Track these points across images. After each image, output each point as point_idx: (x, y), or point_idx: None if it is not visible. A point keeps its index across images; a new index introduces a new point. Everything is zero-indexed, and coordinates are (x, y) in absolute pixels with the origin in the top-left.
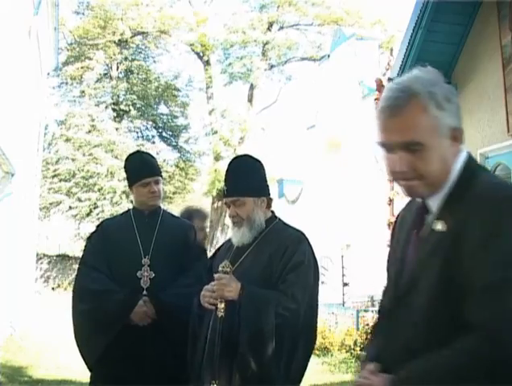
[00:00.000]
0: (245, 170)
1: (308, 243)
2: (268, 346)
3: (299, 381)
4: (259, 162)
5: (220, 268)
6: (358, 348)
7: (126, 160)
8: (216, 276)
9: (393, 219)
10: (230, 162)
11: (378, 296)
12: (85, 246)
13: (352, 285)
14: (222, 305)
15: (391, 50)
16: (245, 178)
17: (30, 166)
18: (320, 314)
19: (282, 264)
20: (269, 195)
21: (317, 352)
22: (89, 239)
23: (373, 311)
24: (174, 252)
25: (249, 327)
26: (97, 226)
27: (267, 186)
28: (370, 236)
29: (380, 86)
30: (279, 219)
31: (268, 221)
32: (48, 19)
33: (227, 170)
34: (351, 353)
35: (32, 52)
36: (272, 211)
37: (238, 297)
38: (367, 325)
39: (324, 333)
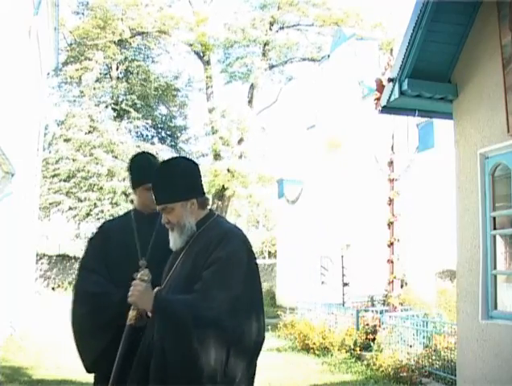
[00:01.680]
0: (169, 174)
1: (241, 238)
2: (190, 351)
3: (241, 381)
4: (190, 162)
5: (138, 276)
6: (358, 348)
7: (132, 161)
8: (133, 282)
9: (393, 219)
10: (156, 169)
11: (378, 296)
12: (86, 248)
13: (352, 285)
14: (134, 313)
15: (391, 50)
16: (170, 183)
17: (30, 166)
18: (319, 313)
19: (204, 261)
20: (200, 195)
21: (317, 352)
22: (90, 241)
23: (373, 311)
24: (170, 253)
25: (165, 341)
26: (98, 227)
27: (197, 186)
28: (370, 236)
29: (380, 86)
30: (217, 216)
31: (201, 221)
32: (48, 19)
33: (153, 177)
34: (351, 353)
35: (32, 52)
36: (211, 210)
37: (152, 309)
38: (367, 325)
39: (324, 333)
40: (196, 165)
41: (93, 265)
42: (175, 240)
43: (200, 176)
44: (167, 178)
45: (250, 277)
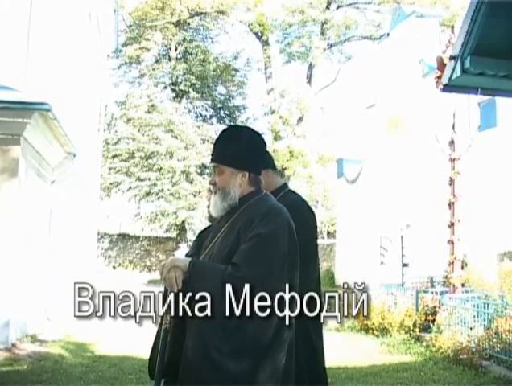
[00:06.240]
0: (234, 138)
1: (285, 218)
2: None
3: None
4: (258, 136)
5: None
6: (417, 329)
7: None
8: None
9: (454, 200)
10: (225, 128)
11: (438, 277)
12: None
13: (411, 265)
14: (168, 317)
15: (452, 27)
16: (231, 146)
17: (91, 147)
18: (378, 294)
19: (246, 236)
20: (255, 171)
21: (376, 332)
22: None
23: (432, 292)
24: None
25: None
26: None
27: (255, 161)
28: (430, 217)
29: (441, 64)
30: (265, 194)
31: (247, 197)
32: (108, 2)
33: (219, 134)
34: (410, 334)
35: (92, 35)
36: (258, 188)
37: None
38: (426, 306)
39: (383, 313)
40: (262, 141)
41: None
42: (215, 204)
43: (263, 154)
44: (231, 141)
45: (290, 261)
